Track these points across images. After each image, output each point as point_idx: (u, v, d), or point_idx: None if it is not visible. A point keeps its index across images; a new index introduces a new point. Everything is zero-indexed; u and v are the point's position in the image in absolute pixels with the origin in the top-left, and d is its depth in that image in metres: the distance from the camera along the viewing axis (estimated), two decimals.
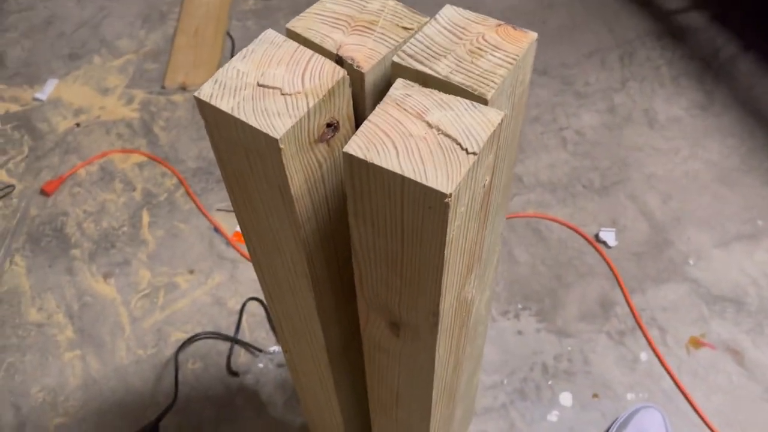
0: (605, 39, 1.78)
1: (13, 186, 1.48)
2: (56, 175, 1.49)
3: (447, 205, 0.40)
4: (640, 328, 1.24)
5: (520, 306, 1.28)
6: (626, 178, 1.48)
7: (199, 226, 1.40)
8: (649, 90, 1.65)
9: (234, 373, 1.19)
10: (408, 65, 0.46)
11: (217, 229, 1.39)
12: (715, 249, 1.35)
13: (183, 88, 1.67)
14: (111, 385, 1.19)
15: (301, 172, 0.48)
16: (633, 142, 1.55)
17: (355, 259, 0.53)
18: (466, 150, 0.41)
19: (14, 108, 1.64)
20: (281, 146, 0.44)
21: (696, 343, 1.22)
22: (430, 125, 0.43)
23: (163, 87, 1.67)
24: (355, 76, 0.48)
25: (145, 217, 1.42)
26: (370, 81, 0.48)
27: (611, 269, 1.32)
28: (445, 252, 0.45)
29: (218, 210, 1.43)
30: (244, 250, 1.36)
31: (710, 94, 1.63)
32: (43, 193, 1.46)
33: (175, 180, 1.48)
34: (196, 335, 1.24)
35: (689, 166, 1.49)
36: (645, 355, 1.21)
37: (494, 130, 0.42)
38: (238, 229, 1.40)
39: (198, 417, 1.14)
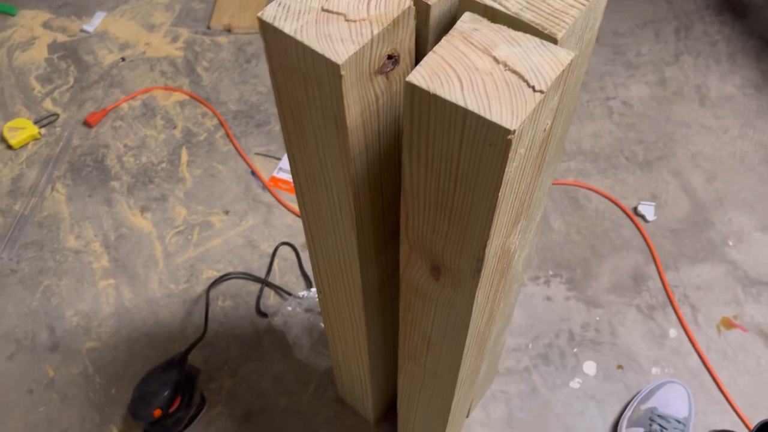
0: (662, 9, 1.72)
1: (57, 115, 1.49)
2: (99, 108, 1.51)
3: (509, 143, 0.40)
4: (672, 304, 1.22)
5: (551, 273, 1.27)
6: (671, 153, 1.44)
7: (237, 169, 1.41)
8: (703, 66, 1.60)
9: (263, 314, 1.21)
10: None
11: (254, 173, 1.40)
12: (757, 232, 1.32)
13: (228, 30, 1.66)
14: (142, 316, 1.22)
15: (358, 104, 0.48)
16: (681, 117, 1.51)
17: (404, 198, 0.53)
18: (533, 88, 0.40)
19: (62, 38, 1.65)
20: (342, 73, 0.44)
21: (728, 324, 1.20)
22: (497, 60, 0.42)
23: (208, 27, 1.67)
24: (421, 8, 0.47)
25: (184, 156, 1.43)
26: (435, 14, 0.47)
27: (647, 244, 1.30)
28: (500, 194, 0.44)
29: (257, 154, 1.43)
30: (280, 195, 1.37)
31: (767, 74, 1.57)
32: (86, 124, 1.47)
33: (216, 121, 1.49)
34: (228, 274, 1.25)
35: (737, 147, 1.45)
36: (674, 332, 1.19)
37: (563, 70, 0.41)
38: (274, 173, 1.40)
39: (225, 353, 1.17)
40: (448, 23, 0.49)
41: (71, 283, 1.25)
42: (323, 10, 0.46)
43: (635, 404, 1.09)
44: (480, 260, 0.52)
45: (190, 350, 1.10)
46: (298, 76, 0.48)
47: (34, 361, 1.17)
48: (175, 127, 1.48)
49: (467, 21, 0.44)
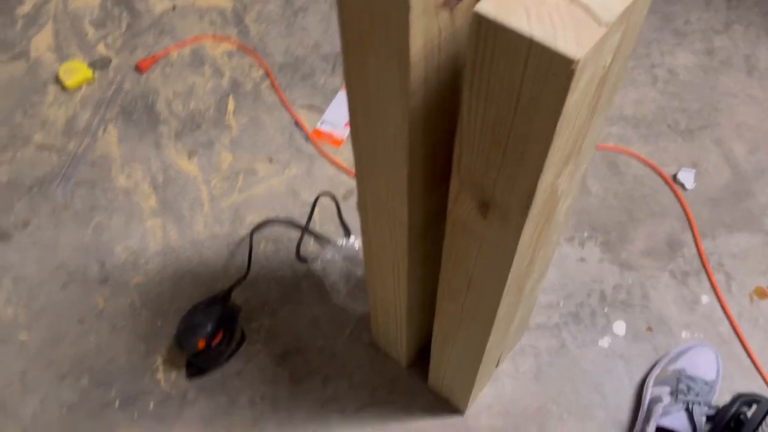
0: None
1: (109, 59, 1.54)
2: (150, 54, 1.55)
3: (572, 73, 0.42)
4: (706, 271, 1.23)
5: (586, 234, 1.28)
6: (714, 123, 1.43)
7: (281, 119, 1.44)
8: (753, 36, 1.57)
9: (302, 260, 1.25)
10: None
11: (298, 124, 1.43)
12: None
13: None
14: (187, 255, 1.26)
15: (421, 37, 0.50)
16: (727, 87, 1.49)
17: (459, 132, 0.55)
18: (599, 21, 0.42)
19: None
20: (411, 4, 0.46)
21: (761, 293, 1.21)
22: None
23: None
24: None
25: (231, 104, 1.47)
26: None
27: (685, 211, 1.30)
28: (557, 126, 0.46)
29: (301, 106, 1.46)
30: (322, 147, 1.40)
31: None
32: (137, 69, 1.51)
33: (262, 72, 1.51)
34: (270, 220, 1.29)
35: None
36: (706, 298, 1.20)
37: (628, 6, 0.43)
38: (318, 126, 1.43)
39: (265, 295, 1.21)
40: None
41: (121, 221, 1.31)
42: None
43: (663, 364, 1.11)
44: (530, 196, 0.54)
45: (233, 288, 1.15)
46: (365, 7, 0.50)
47: (85, 293, 1.23)
48: (222, 76, 1.51)
49: None
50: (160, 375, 1.13)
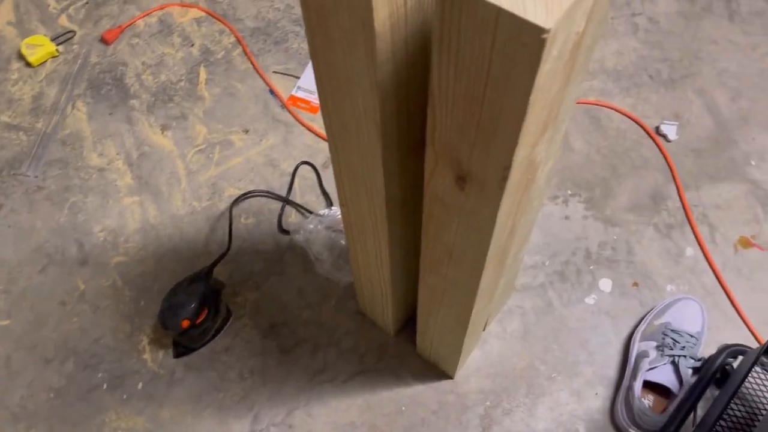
0: None
1: (73, 32, 1.48)
2: (115, 24, 1.49)
3: (543, 42, 0.39)
4: (690, 223, 1.23)
5: (569, 192, 1.27)
6: (696, 72, 1.41)
7: (255, 87, 1.40)
8: None
9: (285, 231, 1.23)
10: None
11: (272, 92, 1.39)
12: None
13: None
14: (167, 232, 1.24)
15: (386, 7, 0.47)
16: (709, 34, 1.46)
17: (431, 105, 0.53)
18: None
19: None
20: None
21: (745, 243, 1.21)
22: None
23: None
24: None
25: (203, 74, 1.42)
26: None
27: (668, 163, 1.29)
28: (531, 98, 0.44)
29: (275, 72, 1.42)
30: (299, 114, 1.36)
31: None
32: (103, 41, 1.46)
33: (233, 39, 1.47)
34: (250, 192, 1.27)
35: (766, 64, 1.42)
36: (690, 251, 1.20)
37: None
38: (293, 92, 1.39)
39: (248, 268, 1.20)
40: None
41: (97, 200, 1.28)
42: None
43: (649, 319, 1.11)
44: (507, 168, 0.53)
45: (215, 264, 1.13)
46: None
47: (65, 275, 1.21)
48: (192, 45, 1.46)
49: None
50: (146, 355, 1.13)
